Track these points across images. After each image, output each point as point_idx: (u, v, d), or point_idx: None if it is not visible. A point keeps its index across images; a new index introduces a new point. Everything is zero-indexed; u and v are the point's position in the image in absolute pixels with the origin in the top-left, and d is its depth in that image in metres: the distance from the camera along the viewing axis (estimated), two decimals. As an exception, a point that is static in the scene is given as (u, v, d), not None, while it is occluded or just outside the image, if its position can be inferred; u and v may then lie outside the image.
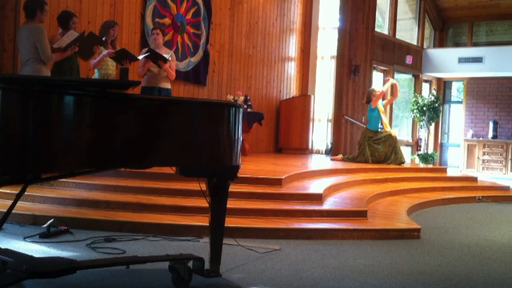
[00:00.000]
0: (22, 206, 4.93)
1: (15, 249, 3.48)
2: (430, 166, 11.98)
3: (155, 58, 6.70)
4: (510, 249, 5.03)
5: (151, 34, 7.27)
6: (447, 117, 15.26)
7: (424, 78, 14.64)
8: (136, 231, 4.61)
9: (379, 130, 9.83)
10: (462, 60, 13.71)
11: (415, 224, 5.50)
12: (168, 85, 6.99)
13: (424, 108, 13.48)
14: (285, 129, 11.74)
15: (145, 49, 6.97)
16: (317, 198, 5.81)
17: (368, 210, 5.74)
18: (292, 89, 12.41)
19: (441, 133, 15.05)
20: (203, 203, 3.84)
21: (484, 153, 13.71)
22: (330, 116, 12.21)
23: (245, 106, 9.63)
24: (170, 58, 6.85)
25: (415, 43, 14.29)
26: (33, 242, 4.21)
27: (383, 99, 10.10)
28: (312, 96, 12.09)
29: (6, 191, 5.05)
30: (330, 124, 12.21)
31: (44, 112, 2.59)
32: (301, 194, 5.90)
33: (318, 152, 12.32)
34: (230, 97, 9.81)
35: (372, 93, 9.85)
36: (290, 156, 10.71)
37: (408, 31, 14.46)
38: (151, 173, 5.65)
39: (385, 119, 9.87)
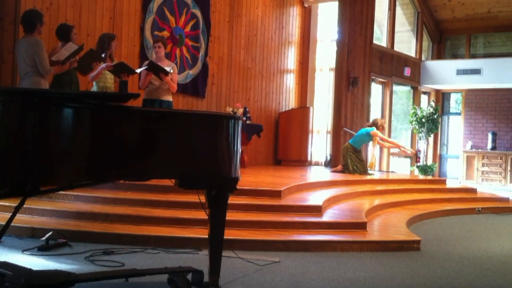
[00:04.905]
0: (21, 219, 4.91)
1: (14, 262, 3.47)
2: (430, 177, 11.95)
3: (156, 70, 6.66)
4: (510, 261, 5.01)
5: (153, 47, 7.21)
6: (446, 129, 15.27)
7: (423, 90, 14.68)
8: (135, 243, 4.59)
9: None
10: (460, 71, 13.74)
11: (414, 236, 5.49)
12: (169, 98, 6.97)
13: (423, 120, 13.49)
14: (284, 141, 11.74)
15: (147, 62, 6.95)
16: (316, 210, 5.80)
17: (368, 222, 5.73)
18: (291, 101, 12.43)
19: (440, 144, 15.06)
20: (202, 215, 3.84)
21: (483, 165, 13.71)
22: (329, 128, 12.23)
23: (244, 118, 9.64)
24: (171, 71, 6.82)
25: (413, 55, 14.35)
26: (31, 255, 4.19)
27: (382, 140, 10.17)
28: (311, 108, 12.11)
29: (5, 203, 5.04)
30: (329, 136, 12.21)
31: (43, 124, 2.60)
32: (300, 206, 5.89)
33: (317, 164, 12.32)
34: (229, 109, 9.84)
35: (378, 125, 9.80)
36: (289, 168, 10.70)
37: (406, 43, 14.52)
38: (149, 185, 5.63)
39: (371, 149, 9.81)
